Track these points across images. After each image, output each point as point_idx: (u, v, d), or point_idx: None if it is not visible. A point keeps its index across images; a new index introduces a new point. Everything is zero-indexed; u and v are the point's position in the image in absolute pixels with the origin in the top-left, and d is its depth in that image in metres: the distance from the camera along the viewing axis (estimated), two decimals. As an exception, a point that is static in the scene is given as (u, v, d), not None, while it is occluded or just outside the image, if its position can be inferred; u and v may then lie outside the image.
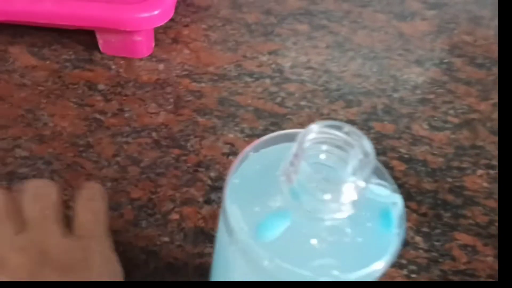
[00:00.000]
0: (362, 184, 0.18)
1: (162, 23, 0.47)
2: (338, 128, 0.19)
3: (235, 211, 0.20)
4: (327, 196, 0.18)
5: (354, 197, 0.19)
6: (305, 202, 0.19)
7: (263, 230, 0.19)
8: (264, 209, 0.20)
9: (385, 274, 0.22)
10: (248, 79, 0.49)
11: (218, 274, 0.25)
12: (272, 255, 0.19)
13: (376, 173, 0.22)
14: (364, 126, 0.47)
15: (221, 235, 0.22)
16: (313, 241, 0.19)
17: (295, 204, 0.19)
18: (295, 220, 0.19)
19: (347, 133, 0.19)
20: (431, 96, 0.50)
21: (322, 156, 0.20)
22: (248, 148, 0.22)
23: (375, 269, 0.19)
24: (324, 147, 0.19)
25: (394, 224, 0.20)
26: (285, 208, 0.19)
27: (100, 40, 0.48)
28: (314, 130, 0.19)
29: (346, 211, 0.19)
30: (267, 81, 0.50)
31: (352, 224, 0.19)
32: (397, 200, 0.21)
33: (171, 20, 0.54)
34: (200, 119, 0.45)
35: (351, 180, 0.18)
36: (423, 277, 0.37)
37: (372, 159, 0.18)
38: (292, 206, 0.19)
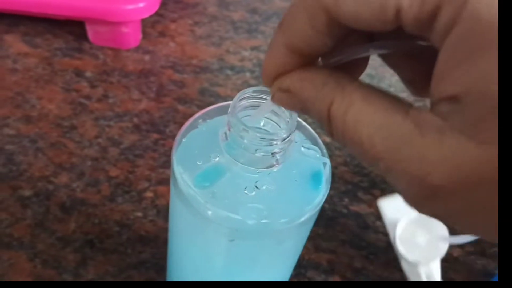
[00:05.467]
0: (287, 140, 0.21)
1: (147, 15, 0.49)
2: (268, 93, 0.21)
3: (180, 164, 0.22)
4: (257, 151, 0.21)
5: (281, 152, 0.21)
6: (237, 156, 0.21)
7: (201, 179, 0.21)
8: (205, 163, 0.22)
9: (312, 226, 0.24)
10: (229, 72, 0.52)
11: (171, 234, 0.28)
12: (207, 201, 0.21)
13: (311, 140, 0.24)
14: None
15: (171, 194, 0.24)
16: (245, 190, 0.21)
17: (230, 158, 0.22)
18: (232, 171, 0.22)
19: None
20: (403, 95, 0.52)
21: (262, 123, 0.23)
22: (198, 114, 0.25)
23: (296, 217, 0.21)
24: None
25: (322, 182, 0.23)
26: (222, 162, 0.22)
27: (90, 31, 0.51)
28: (246, 94, 0.21)
29: (275, 165, 0.21)
30: (247, 74, 0.52)
31: (281, 179, 0.22)
32: (327, 161, 0.23)
33: (160, 15, 0.57)
34: (180, 107, 0.48)
35: (277, 137, 0.21)
36: (381, 259, 0.39)
37: (295, 121, 0.21)
38: (228, 160, 0.22)
